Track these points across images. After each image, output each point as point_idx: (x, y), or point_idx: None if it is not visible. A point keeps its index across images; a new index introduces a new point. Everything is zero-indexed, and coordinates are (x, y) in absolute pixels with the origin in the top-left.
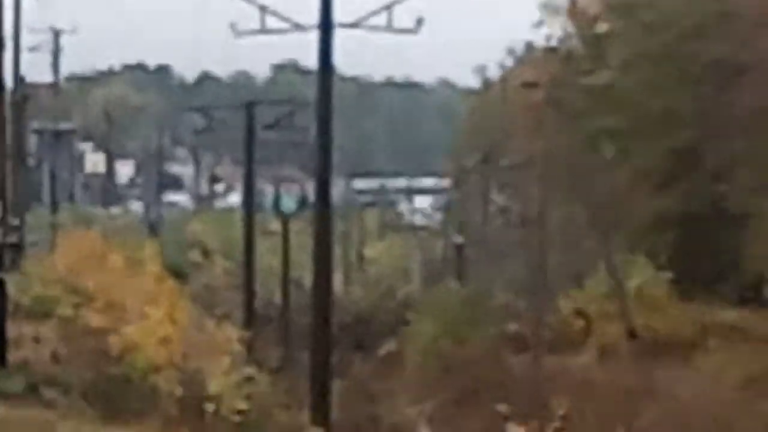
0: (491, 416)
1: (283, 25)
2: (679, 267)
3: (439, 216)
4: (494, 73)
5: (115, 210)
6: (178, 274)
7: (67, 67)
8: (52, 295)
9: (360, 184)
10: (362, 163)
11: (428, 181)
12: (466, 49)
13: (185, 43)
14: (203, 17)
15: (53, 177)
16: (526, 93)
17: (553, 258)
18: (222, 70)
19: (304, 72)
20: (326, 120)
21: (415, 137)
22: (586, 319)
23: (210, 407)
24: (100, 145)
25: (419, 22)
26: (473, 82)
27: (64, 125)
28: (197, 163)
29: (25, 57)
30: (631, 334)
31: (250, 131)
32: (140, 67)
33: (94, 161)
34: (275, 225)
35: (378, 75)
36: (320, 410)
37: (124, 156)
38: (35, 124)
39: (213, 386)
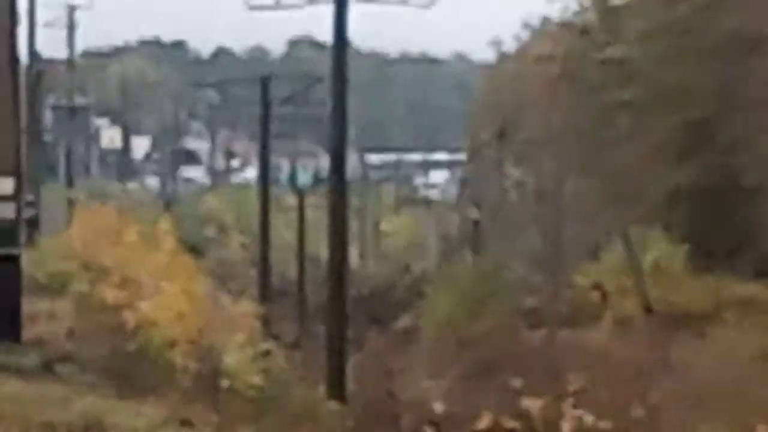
0: (506, 390)
1: None
2: (695, 240)
3: (454, 190)
4: (510, 46)
5: (131, 185)
6: (194, 249)
7: (82, 43)
8: (68, 271)
9: (375, 158)
10: (378, 138)
11: (444, 156)
12: (481, 22)
13: (200, 18)
14: None
15: (69, 152)
16: (541, 67)
17: (568, 232)
18: (237, 45)
19: (319, 46)
20: (341, 95)
21: (430, 111)
22: (601, 293)
23: (226, 382)
24: (116, 121)
25: None
26: (489, 55)
27: (79, 101)
28: (213, 138)
29: (40, 32)
30: (647, 308)
31: (265, 106)
32: (155, 42)
33: (110, 136)
34: (291, 200)
35: (393, 49)
36: (336, 385)
37: (139, 131)
38: (51, 100)
39: (229, 361)
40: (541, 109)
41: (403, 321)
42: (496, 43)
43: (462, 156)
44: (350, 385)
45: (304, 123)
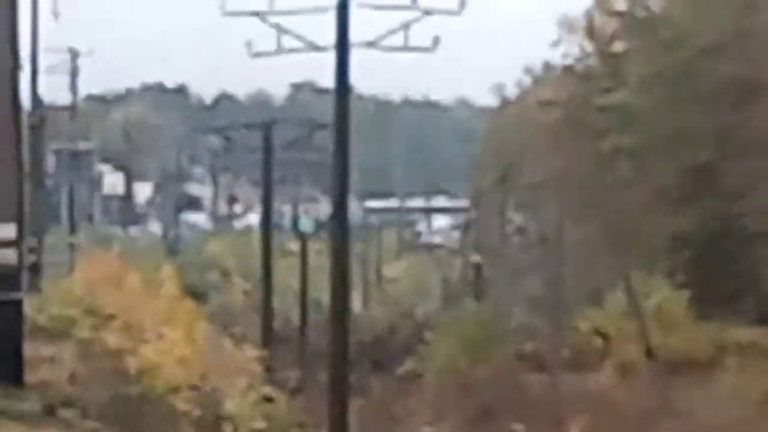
0: None
1: (300, 45)
2: (696, 286)
3: (457, 235)
4: (512, 91)
5: (133, 230)
6: (197, 294)
7: (84, 88)
8: (70, 316)
9: (377, 203)
10: (380, 183)
11: (446, 201)
12: (483, 68)
13: (203, 64)
14: (220, 37)
15: (72, 197)
16: (543, 112)
17: (570, 277)
18: (240, 89)
19: (321, 91)
20: (343, 140)
21: (432, 156)
22: (603, 338)
23: (228, 428)
24: (119, 166)
25: (436, 41)
26: (491, 101)
27: (82, 146)
28: (215, 183)
29: (42, 78)
30: (649, 353)
31: (267, 151)
32: (158, 87)
33: (113, 182)
34: (294, 245)
35: (396, 94)
36: (338, 430)
37: (142, 176)
38: (53, 145)
39: (231, 406)
40: (543, 154)
41: (406, 366)
42: (499, 88)
43: (464, 201)
44: (352, 430)
45: (307, 168)
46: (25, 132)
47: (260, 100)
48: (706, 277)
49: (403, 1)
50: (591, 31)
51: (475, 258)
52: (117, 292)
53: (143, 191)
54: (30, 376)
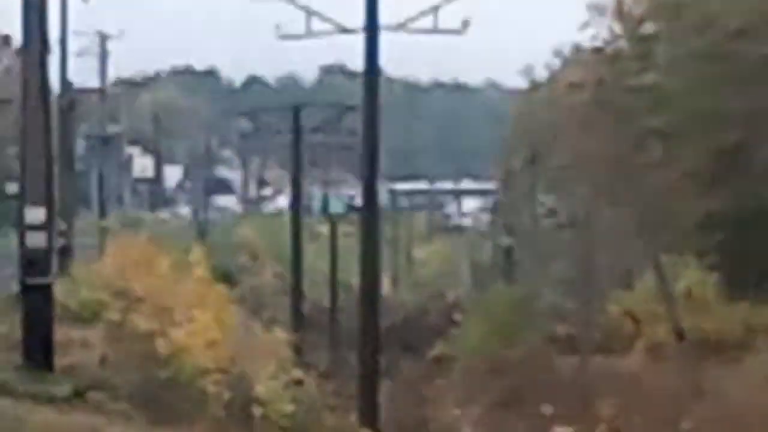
0: (537, 418)
1: (329, 27)
2: (727, 268)
3: (486, 218)
4: (541, 74)
5: (163, 214)
6: (227, 277)
7: (114, 72)
8: (100, 300)
9: (407, 186)
10: (409, 165)
11: (476, 183)
12: (513, 50)
13: (232, 47)
14: (250, 20)
15: (101, 181)
16: (573, 94)
17: (601, 259)
18: (269, 73)
19: (351, 74)
20: (373, 123)
21: (462, 138)
22: (634, 321)
23: (258, 411)
24: (148, 149)
25: (465, 23)
26: (520, 83)
27: (112, 129)
28: (245, 166)
29: (72, 61)
30: (680, 335)
31: (297, 134)
32: (188, 70)
33: (143, 165)
34: (323, 228)
35: (425, 77)
36: (368, 413)
37: (172, 160)
38: (83, 129)
39: (260, 389)
40: (573, 136)
41: (436, 349)
42: (528, 70)
43: (493, 183)
44: (383, 413)
45: (336, 151)
46: (55, 116)
47: (289, 83)
48: (736, 258)
49: None
50: (620, 13)
51: (505, 240)
52: (147, 276)
53: (173, 174)
54: (60, 360)
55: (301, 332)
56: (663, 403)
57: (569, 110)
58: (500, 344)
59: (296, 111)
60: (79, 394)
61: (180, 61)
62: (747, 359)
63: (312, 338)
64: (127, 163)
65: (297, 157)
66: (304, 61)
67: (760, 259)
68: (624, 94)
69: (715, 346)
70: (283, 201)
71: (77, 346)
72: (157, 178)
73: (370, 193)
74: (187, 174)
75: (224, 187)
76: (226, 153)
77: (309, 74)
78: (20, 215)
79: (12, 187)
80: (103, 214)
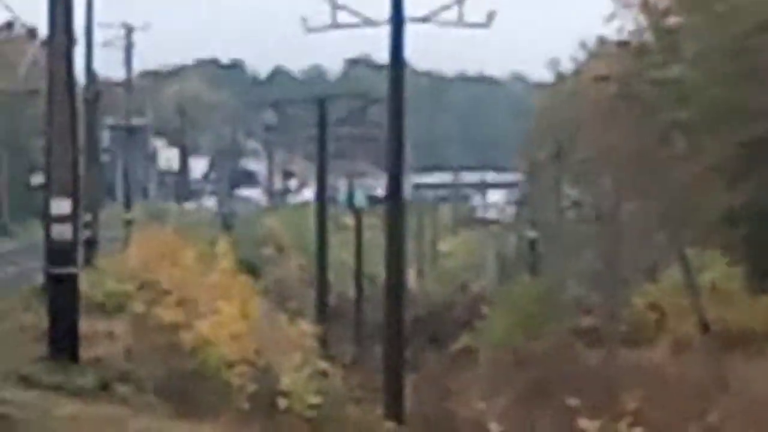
0: (562, 410)
1: (355, 20)
2: (752, 260)
3: (512, 210)
4: (567, 66)
5: (188, 205)
6: (252, 269)
7: (139, 63)
8: (125, 291)
9: (431, 178)
10: (433, 158)
11: (500, 176)
12: (538, 43)
13: (258, 39)
14: (275, 12)
15: (126, 173)
16: (598, 87)
17: (626, 252)
18: (294, 65)
19: (376, 67)
20: (398, 115)
21: (486, 131)
22: (659, 313)
23: (283, 402)
24: (174, 141)
25: (491, 16)
26: (546, 75)
27: (137, 121)
28: (270, 158)
29: (97, 53)
30: (705, 328)
31: (322, 126)
32: (213, 62)
33: (168, 157)
34: (349, 220)
35: (450, 69)
36: (393, 405)
37: (197, 152)
38: (108, 120)
39: (285, 381)
40: (598, 129)
41: (461, 341)
42: (553, 63)
43: (518, 176)
44: (408, 405)
45: (361, 143)
46: (80, 107)
47: (315, 75)
48: (761, 251)
49: None
50: (646, 6)
51: (531, 233)
52: (172, 267)
53: (198, 166)
54: (85, 352)
55: (326, 324)
56: (688, 396)
57: (594, 103)
58: (525, 336)
59: (321, 103)
60: (104, 386)
61: (205, 53)
62: None
63: (337, 330)
64: (152, 155)
65: (322, 149)
66: (330, 54)
67: None
68: (649, 87)
69: (739, 339)
70: (308, 193)
71: (102, 337)
72: (183, 170)
73: (395, 185)
74: (212, 166)
75: (249, 178)
76: (252, 145)
77: (334, 66)
78: (46, 207)
79: (37, 179)
80: (128, 205)
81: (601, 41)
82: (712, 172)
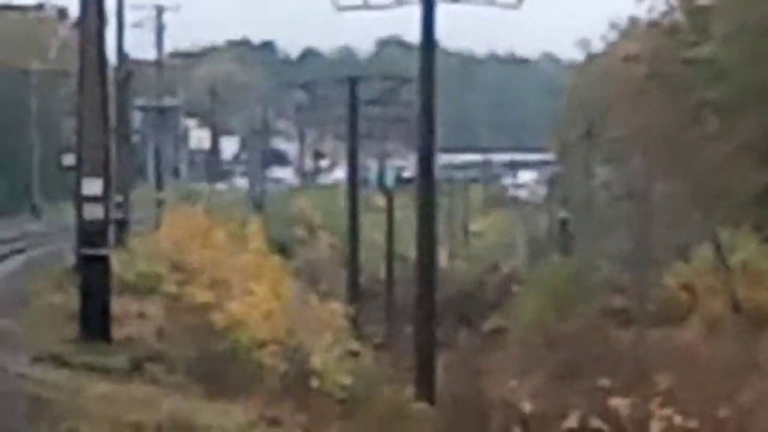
0: (594, 390)
1: (386, 0)
2: None
3: (543, 190)
4: (597, 46)
5: (220, 186)
6: (283, 249)
7: (170, 44)
8: (157, 272)
9: (462, 158)
10: (464, 138)
11: (531, 156)
12: (569, 22)
13: (289, 19)
14: None
15: (158, 153)
16: (629, 66)
17: (657, 232)
18: (325, 45)
19: (407, 47)
20: (429, 96)
21: (518, 111)
22: (690, 293)
23: (314, 382)
24: (205, 122)
25: None
26: (576, 55)
27: (168, 102)
28: (301, 138)
29: (128, 34)
30: (736, 308)
31: (353, 107)
32: (244, 43)
33: (199, 137)
34: (380, 200)
35: (481, 49)
36: (425, 385)
37: (228, 132)
38: (139, 101)
39: (316, 361)
40: (629, 108)
41: (492, 321)
42: (584, 43)
43: (549, 156)
44: (439, 385)
45: (392, 123)
46: (111, 88)
47: (346, 56)
48: None
49: None
50: None
51: (562, 213)
52: (203, 248)
53: (229, 147)
54: (117, 332)
55: (358, 304)
56: (719, 376)
57: (625, 83)
58: (556, 317)
59: (352, 83)
60: (135, 366)
61: (236, 34)
62: None
63: (368, 311)
64: (183, 136)
65: (353, 130)
66: (361, 34)
67: None
68: (680, 67)
69: None
70: (339, 173)
71: (134, 318)
72: (214, 150)
73: (427, 165)
74: (243, 146)
75: (280, 159)
76: (283, 125)
77: (365, 47)
78: (77, 187)
79: (69, 159)
80: (159, 186)
81: (632, 21)
82: (743, 152)
